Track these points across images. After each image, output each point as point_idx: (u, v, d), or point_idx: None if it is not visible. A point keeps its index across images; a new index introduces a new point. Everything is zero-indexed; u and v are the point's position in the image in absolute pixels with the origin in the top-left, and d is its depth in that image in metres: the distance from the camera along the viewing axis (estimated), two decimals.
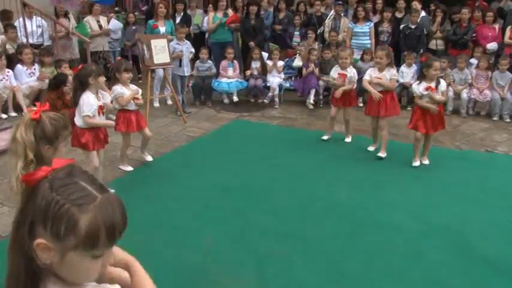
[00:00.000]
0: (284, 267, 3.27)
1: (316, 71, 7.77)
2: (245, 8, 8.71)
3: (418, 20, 8.32)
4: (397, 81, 6.53)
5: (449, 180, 4.99)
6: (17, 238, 1.02)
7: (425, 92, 5.12)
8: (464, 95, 7.33)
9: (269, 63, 7.91)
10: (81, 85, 4.13)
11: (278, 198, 4.39)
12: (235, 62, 7.90)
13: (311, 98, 7.74)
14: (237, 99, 7.81)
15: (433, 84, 5.10)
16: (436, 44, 8.47)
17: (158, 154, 5.54)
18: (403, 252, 3.56)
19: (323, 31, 9.00)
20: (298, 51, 8.48)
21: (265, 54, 8.29)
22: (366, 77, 5.64)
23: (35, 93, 6.50)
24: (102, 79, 4.20)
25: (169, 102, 7.71)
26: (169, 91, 7.17)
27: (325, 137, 6.21)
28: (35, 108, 2.24)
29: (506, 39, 7.89)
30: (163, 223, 3.69)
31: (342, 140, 6.18)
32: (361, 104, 7.39)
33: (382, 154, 5.56)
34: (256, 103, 8.00)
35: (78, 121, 4.20)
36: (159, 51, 6.32)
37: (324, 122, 7.06)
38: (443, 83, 5.20)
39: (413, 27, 8.28)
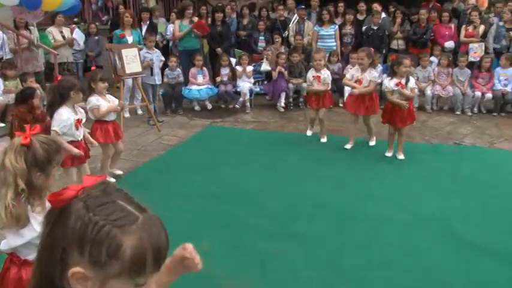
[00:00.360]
0: (286, 266, 3.32)
1: (286, 74, 7.88)
2: (210, 15, 8.73)
3: (380, 21, 8.63)
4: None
5: (424, 172, 5.21)
6: (43, 268, 0.89)
7: (396, 88, 5.35)
8: (429, 91, 7.65)
9: (238, 68, 7.96)
10: (61, 98, 3.98)
11: (268, 200, 4.43)
12: (204, 69, 7.90)
13: (282, 101, 7.85)
14: (211, 106, 7.85)
15: (403, 81, 5.34)
16: (398, 43, 8.79)
17: (138, 164, 5.47)
18: (395, 242, 3.70)
19: (288, 35, 9.16)
20: (265, 56, 8.58)
21: (232, 60, 8.35)
22: (348, 76, 5.86)
23: (0, 108, 6.25)
24: (81, 94, 4.10)
25: (140, 112, 7.60)
26: (140, 100, 7.09)
27: (308, 132, 6.43)
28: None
29: (462, 37, 8.30)
30: None
31: (318, 141, 6.31)
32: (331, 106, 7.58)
33: (372, 143, 6.01)
34: (227, 109, 8.03)
35: None
36: (131, 60, 6.23)
37: (296, 123, 7.22)
38: (412, 80, 5.48)
39: (375, 28, 8.57)
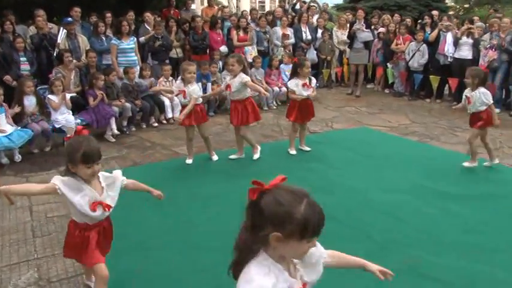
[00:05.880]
0: None
1: (105, 97, 6.57)
2: None
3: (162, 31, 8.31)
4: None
5: (341, 156, 5.83)
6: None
7: (304, 91, 5.64)
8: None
9: (53, 98, 6.05)
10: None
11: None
12: (5, 105, 5.62)
13: (114, 129, 6.55)
14: (20, 158, 5.72)
15: (307, 81, 5.67)
16: (177, 52, 8.73)
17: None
18: (416, 214, 4.15)
19: (58, 53, 7.49)
20: (54, 81, 6.80)
21: None
22: (222, 87, 5.63)
23: None
24: (97, 168, 2.57)
25: None
26: None
27: (188, 161, 5.69)
28: None
29: (235, 42, 9.07)
30: None
31: (207, 160, 5.78)
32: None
33: (256, 155, 5.75)
34: (44, 153, 6.04)
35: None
36: None
37: (153, 151, 6.24)
38: (314, 80, 5.85)
39: (160, 38, 8.20)
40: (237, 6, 33.92)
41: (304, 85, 5.64)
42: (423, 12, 14.76)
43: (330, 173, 5.25)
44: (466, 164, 5.37)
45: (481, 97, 5.04)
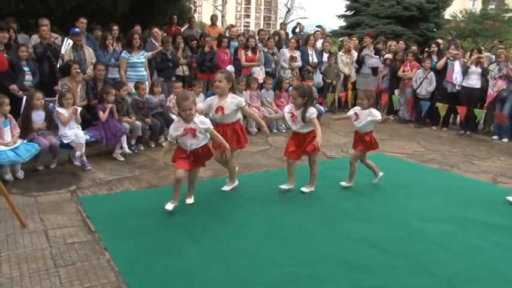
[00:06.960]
0: None
1: (115, 113, 6.18)
2: None
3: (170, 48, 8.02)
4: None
5: (365, 182, 5.54)
6: None
7: (292, 123, 5.01)
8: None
9: (62, 111, 5.63)
10: None
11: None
12: (10, 116, 5.17)
13: (125, 147, 6.14)
14: (23, 174, 5.27)
15: (297, 113, 4.92)
16: (183, 70, 8.43)
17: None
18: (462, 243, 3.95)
19: (64, 64, 7.08)
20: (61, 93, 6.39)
21: None
22: (211, 112, 4.99)
23: None
24: None
25: None
26: None
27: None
28: None
29: (243, 62, 8.83)
30: None
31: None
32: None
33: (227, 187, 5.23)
34: (49, 170, 5.59)
35: None
36: None
37: (168, 172, 5.81)
38: (310, 111, 4.90)
39: (169, 55, 7.90)
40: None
41: (292, 116, 4.97)
42: (419, 41, 15.05)
43: (362, 201, 5.00)
44: (343, 183, 5.40)
45: (370, 114, 5.12)
